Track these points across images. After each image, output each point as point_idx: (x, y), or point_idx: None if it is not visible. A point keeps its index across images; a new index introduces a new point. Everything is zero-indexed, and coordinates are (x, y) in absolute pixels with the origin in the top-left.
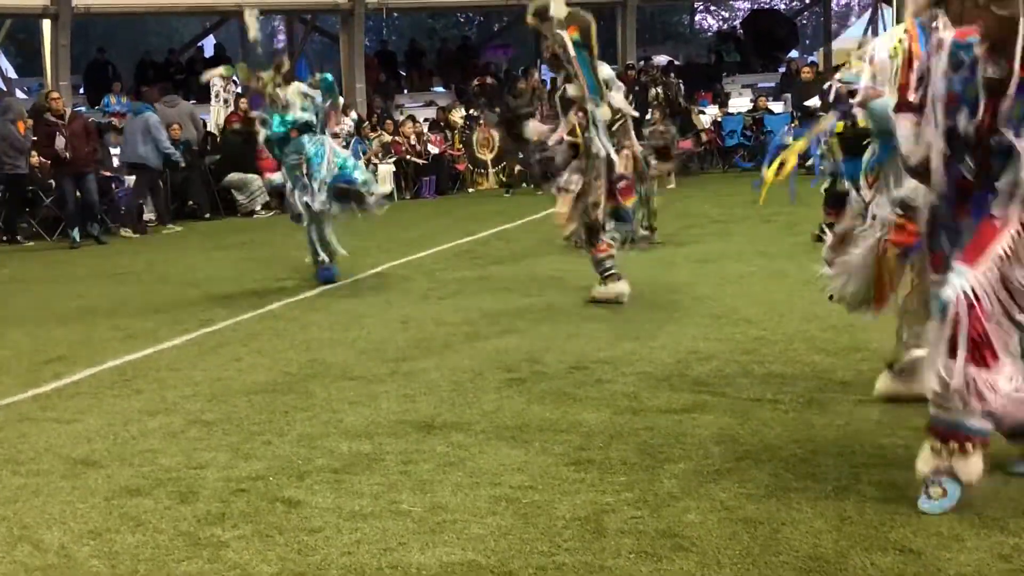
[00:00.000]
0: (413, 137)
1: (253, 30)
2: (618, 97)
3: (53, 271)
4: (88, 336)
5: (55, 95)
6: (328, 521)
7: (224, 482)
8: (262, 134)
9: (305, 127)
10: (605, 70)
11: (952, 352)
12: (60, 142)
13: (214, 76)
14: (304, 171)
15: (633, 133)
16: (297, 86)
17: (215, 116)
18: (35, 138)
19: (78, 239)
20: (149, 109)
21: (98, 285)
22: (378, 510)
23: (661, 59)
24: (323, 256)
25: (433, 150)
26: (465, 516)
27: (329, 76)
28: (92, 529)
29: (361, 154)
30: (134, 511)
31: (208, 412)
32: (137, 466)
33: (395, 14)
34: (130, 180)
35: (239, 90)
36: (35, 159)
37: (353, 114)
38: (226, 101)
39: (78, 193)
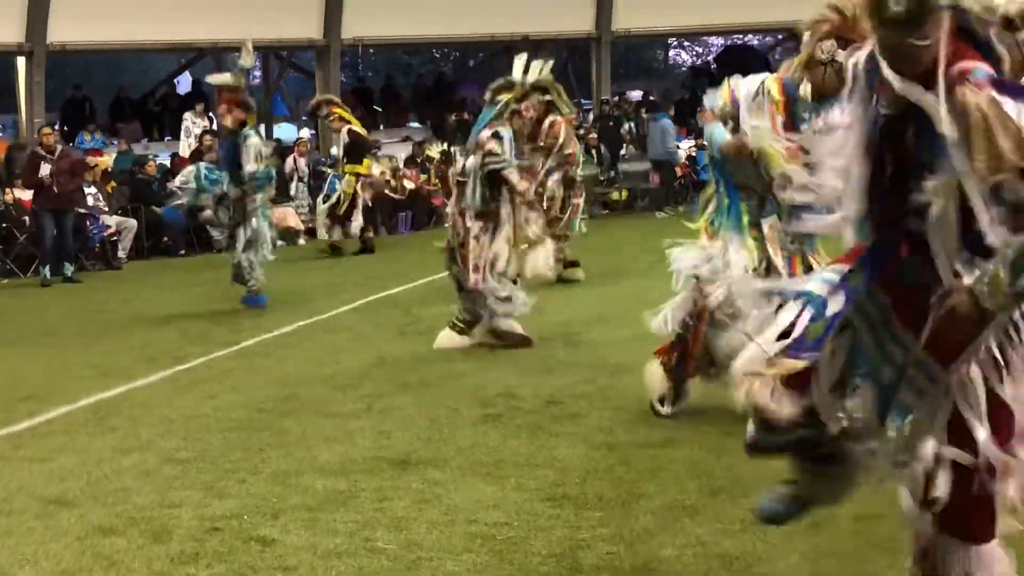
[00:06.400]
0: (389, 173)
1: (249, 59)
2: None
3: (26, 308)
4: (62, 374)
5: (47, 130)
6: (303, 560)
7: (198, 521)
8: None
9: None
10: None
11: None
12: (45, 169)
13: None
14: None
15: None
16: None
17: (185, 152)
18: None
19: (48, 276)
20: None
21: (72, 322)
22: (353, 548)
23: (635, 94)
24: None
25: (409, 185)
26: (440, 553)
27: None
28: (65, 569)
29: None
30: (107, 551)
31: (182, 450)
32: (110, 505)
33: (371, 50)
34: (106, 219)
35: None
36: (9, 196)
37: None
38: (196, 137)
39: (54, 231)
